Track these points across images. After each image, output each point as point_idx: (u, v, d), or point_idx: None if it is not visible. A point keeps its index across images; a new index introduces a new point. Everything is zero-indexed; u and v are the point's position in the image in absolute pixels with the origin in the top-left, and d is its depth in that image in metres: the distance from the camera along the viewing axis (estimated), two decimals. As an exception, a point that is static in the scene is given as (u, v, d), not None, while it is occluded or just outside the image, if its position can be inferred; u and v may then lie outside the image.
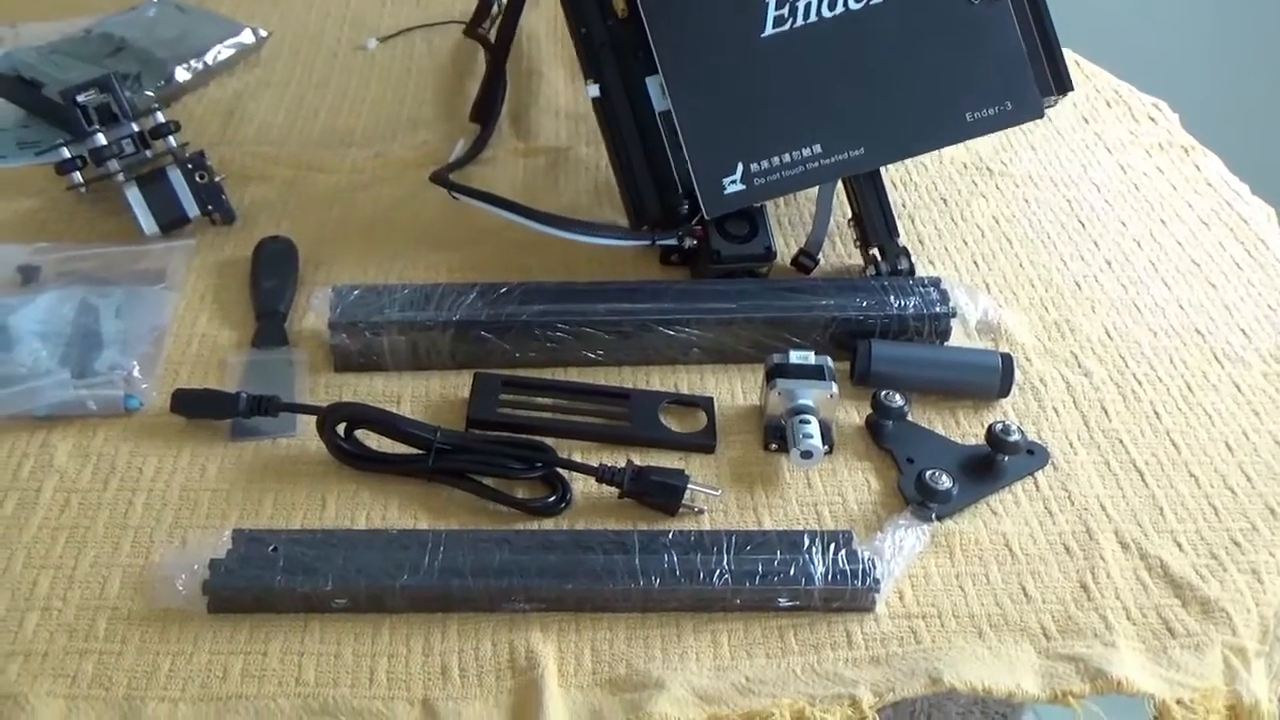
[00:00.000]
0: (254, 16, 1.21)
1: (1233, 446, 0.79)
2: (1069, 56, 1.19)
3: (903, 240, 0.90)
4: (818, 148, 0.84)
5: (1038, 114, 0.86)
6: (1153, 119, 1.13)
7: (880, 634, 0.66)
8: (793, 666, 0.64)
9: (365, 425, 0.75)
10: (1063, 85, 0.88)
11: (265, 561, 0.66)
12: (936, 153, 1.06)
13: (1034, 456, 0.77)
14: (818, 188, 0.89)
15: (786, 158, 0.84)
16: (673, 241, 0.89)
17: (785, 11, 0.82)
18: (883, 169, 0.89)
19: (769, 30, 0.82)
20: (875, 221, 0.89)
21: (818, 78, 0.83)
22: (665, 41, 0.82)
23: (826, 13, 0.82)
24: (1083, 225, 0.98)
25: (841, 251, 0.94)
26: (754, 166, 0.83)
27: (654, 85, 0.84)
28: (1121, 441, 0.79)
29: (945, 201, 1.00)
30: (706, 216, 0.84)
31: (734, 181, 0.83)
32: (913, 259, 0.89)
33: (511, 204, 0.88)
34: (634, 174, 0.88)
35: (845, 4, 0.83)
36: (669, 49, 0.82)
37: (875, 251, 0.89)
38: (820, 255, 0.91)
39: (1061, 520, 0.73)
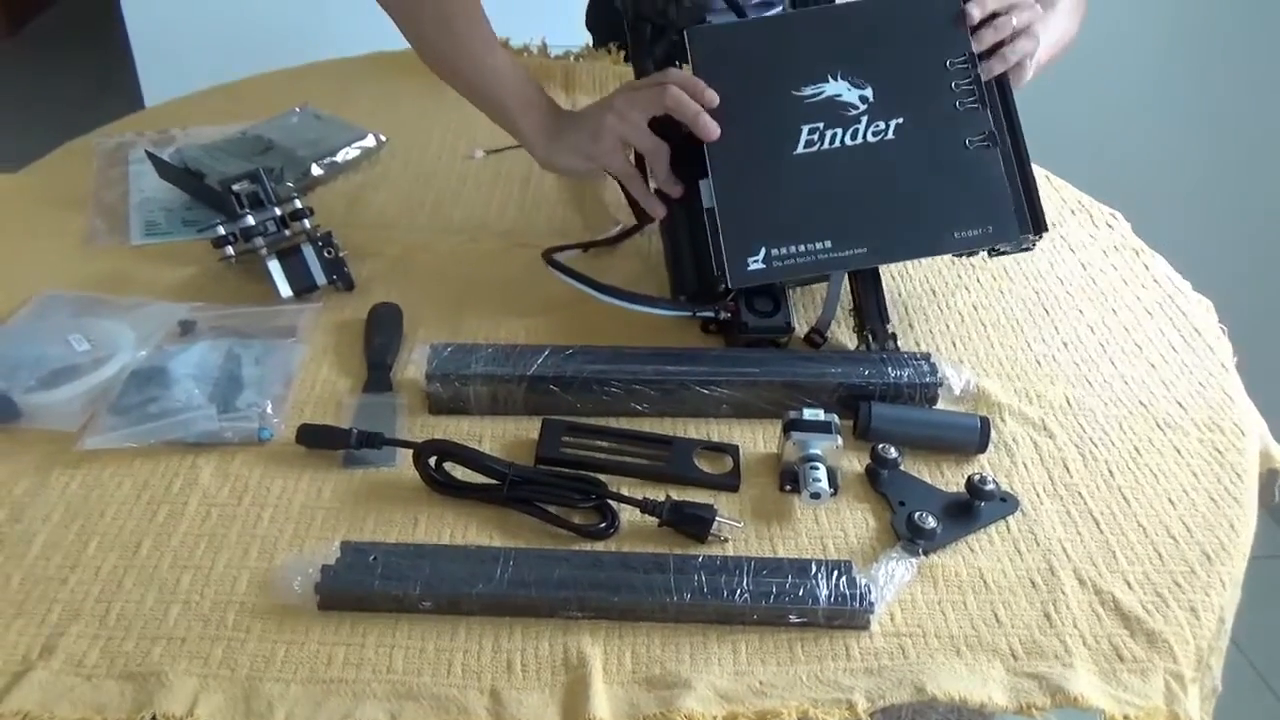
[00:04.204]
0: (376, 124, 1.23)
1: (1174, 501, 0.77)
2: (1041, 173, 1.20)
3: (893, 325, 0.89)
4: (828, 243, 0.83)
5: (1013, 238, 0.85)
6: (1109, 225, 1.11)
7: (874, 649, 0.65)
8: (799, 674, 0.63)
9: (452, 459, 0.75)
10: (1039, 226, 0.85)
11: (366, 568, 0.66)
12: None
13: (1006, 504, 0.75)
14: (829, 279, 0.89)
15: (802, 248, 0.83)
16: (710, 314, 0.89)
17: (815, 137, 0.83)
18: (881, 267, 0.89)
19: (800, 150, 0.83)
20: (871, 309, 0.89)
21: (834, 190, 0.84)
22: (718, 153, 0.83)
23: (848, 141, 0.83)
24: (1046, 312, 0.97)
25: (847, 332, 0.93)
26: (774, 251, 0.83)
27: (705, 187, 0.84)
28: (1080, 494, 0.77)
29: (934, 292, 0.99)
30: (730, 286, 0.84)
31: (756, 260, 0.83)
32: (898, 340, 0.88)
33: (592, 281, 0.90)
34: (680, 253, 0.88)
35: (864, 137, 0.83)
36: (720, 159, 0.83)
37: (869, 333, 0.88)
38: (828, 334, 0.90)
39: (1029, 559, 0.72)
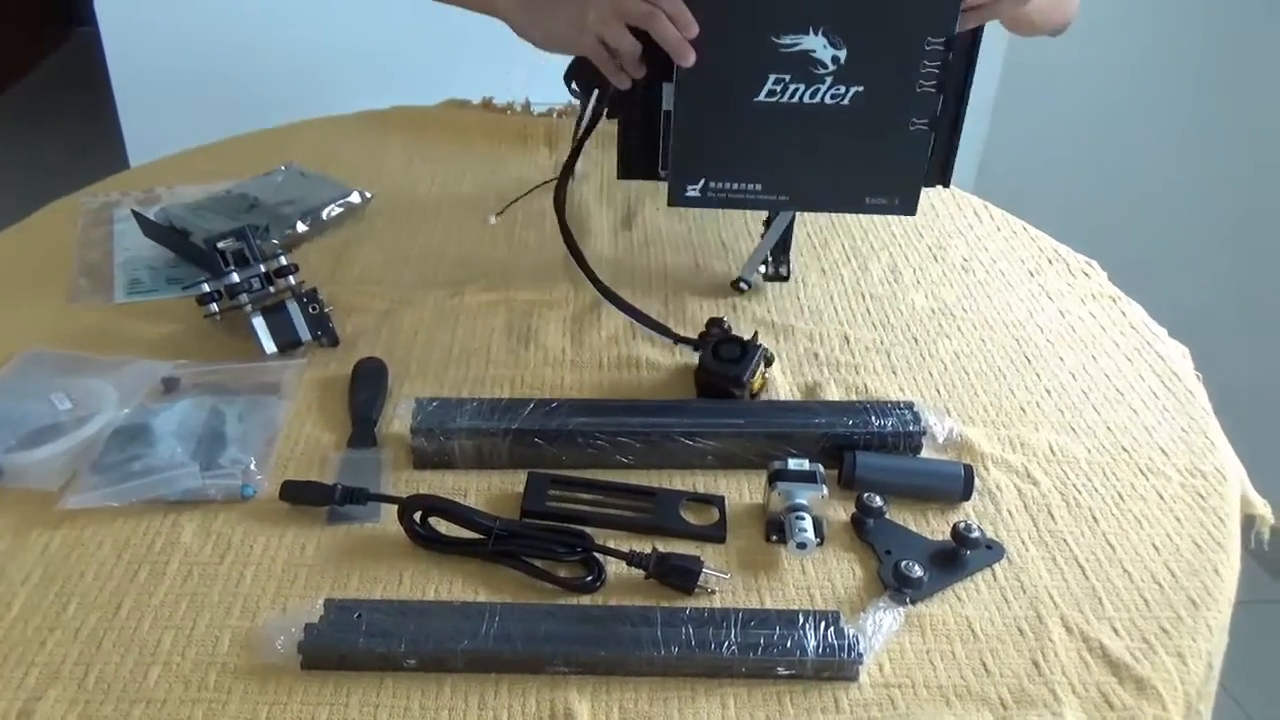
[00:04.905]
0: (360, 181, 1.24)
1: (1159, 547, 0.77)
2: (1019, 224, 1.22)
3: (791, 261, 1.04)
4: (759, 186, 0.93)
5: (910, 213, 0.94)
6: (1086, 274, 1.13)
7: (863, 700, 0.64)
8: (789, 727, 0.62)
9: (437, 514, 0.74)
10: (946, 181, 0.96)
11: (350, 626, 0.65)
12: (910, 301, 1.06)
13: (992, 551, 0.75)
14: (767, 229, 1.02)
15: (735, 185, 0.93)
16: (691, 343, 0.94)
17: (779, 88, 0.88)
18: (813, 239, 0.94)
19: (761, 97, 0.88)
20: (778, 241, 1.03)
21: (777, 140, 0.90)
22: (685, 81, 0.88)
23: (807, 100, 0.88)
24: (1028, 360, 0.98)
25: (832, 385, 0.93)
26: (712, 184, 0.93)
27: (667, 90, 0.90)
28: (1065, 541, 0.77)
29: (916, 340, 1.00)
30: (668, 205, 0.94)
31: (694, 189, 0.93)
32: (792, 267, 1.06)
33: (604, 285, 1.01)
34: (630, 140, 0.95)
35: (823, 98, 0.88)
36: (686, 88, 0.88)
37: (769, 257, 1.03)
38: (751, 279, 1.03)
39: (1016, 607, 0.71)
